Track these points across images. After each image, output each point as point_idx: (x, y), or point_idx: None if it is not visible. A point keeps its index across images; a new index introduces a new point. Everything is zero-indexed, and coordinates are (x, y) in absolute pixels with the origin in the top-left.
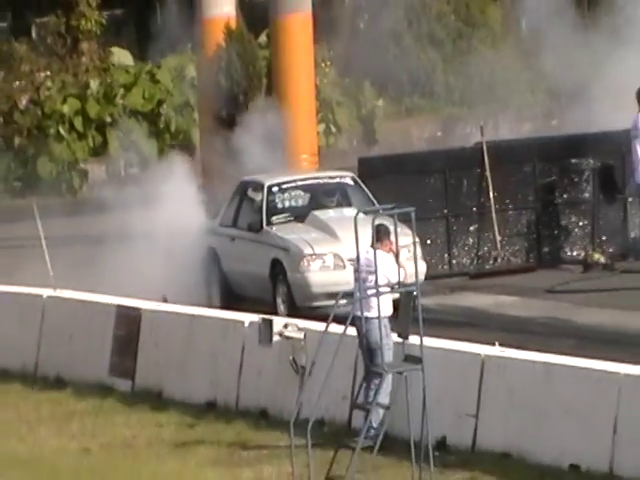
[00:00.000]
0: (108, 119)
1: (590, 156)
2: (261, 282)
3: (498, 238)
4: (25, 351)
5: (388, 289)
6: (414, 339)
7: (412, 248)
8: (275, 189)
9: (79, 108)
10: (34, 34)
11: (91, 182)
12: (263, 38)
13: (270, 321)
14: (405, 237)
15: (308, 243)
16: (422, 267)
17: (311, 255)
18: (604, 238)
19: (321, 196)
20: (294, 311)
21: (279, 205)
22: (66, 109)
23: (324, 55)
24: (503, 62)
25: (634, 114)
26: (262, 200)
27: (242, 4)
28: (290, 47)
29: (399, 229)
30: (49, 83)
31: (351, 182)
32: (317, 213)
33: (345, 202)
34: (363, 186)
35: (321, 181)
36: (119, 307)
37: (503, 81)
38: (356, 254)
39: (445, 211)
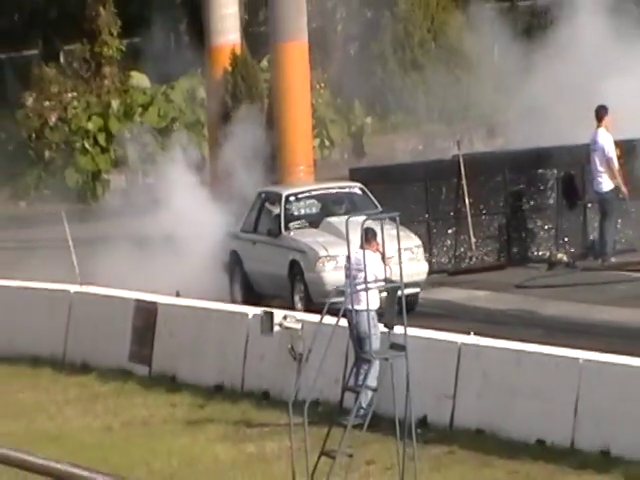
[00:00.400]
0: (127, 135)
1: (554, 167)
2: (280, 281)
3: (473, 240)
4: (54, 340)
5: (375, 285)
6: (399, 329)
7: (415, 250)
8: (292, 198)
9: (102, 125)
10: (62, 60)
11: (112, 190)
12: (264, 63)
13: (271, 313)
14: (409, 240)
15: (323, 246)
16: (425, 267)
17: (326, 256)
18: (566, 239)
19: (332, 204)
20: (310, 307)
21: (295, 213)
22: (90, 126)
23: (319, 78)
24: (477, 84)
25: (593, 130)
26: (280, 208)
27: (246, 33)
28: (288, 72)
29: (403, 233)
30: (75, 103)
31: (359, 192)
32: (330, 219)
33: (354, 209)
34: (370, 195)
35: (332, 191)
36: (138, 301)
37: (477, 101)
38: (347, 254)
39: (426, 216)
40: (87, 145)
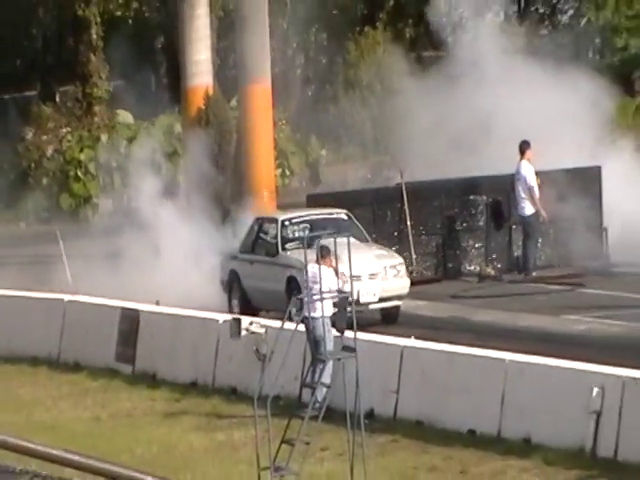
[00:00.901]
0: (114, 164)
1: (483, 194)
2: (277, 296)
3: (414, 256)
4: (50, 342)
5: (329, 295)
6: (349, 333)
7: (399, 267)
8: (287, 223)
9: (92, 156)
10: (58, 99)
11: (100, 213)
12: (234, 102)
13: (239, 319)
14: (393, 258)
15: (311, 270)
16: (407, 282)
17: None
18: (494, 256)
19: (322, 228)
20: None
21: (290, 235)
22: (82, 157)
23: (280, 115)
24: (417, 121)
25: (517, 162)
26: (277, 231)
27: (217, 76)
28: (254, 110)
29: (387, 252)
30: (69, 137)
31: (345, 217)
32: (322, 241)
33: (341, 232)
34: (354, 219)
35: (321, 217)
36: (123, 309)
37: (417, 135)
38: (305, 270)
39: (373, 235)
40: (79, 173)
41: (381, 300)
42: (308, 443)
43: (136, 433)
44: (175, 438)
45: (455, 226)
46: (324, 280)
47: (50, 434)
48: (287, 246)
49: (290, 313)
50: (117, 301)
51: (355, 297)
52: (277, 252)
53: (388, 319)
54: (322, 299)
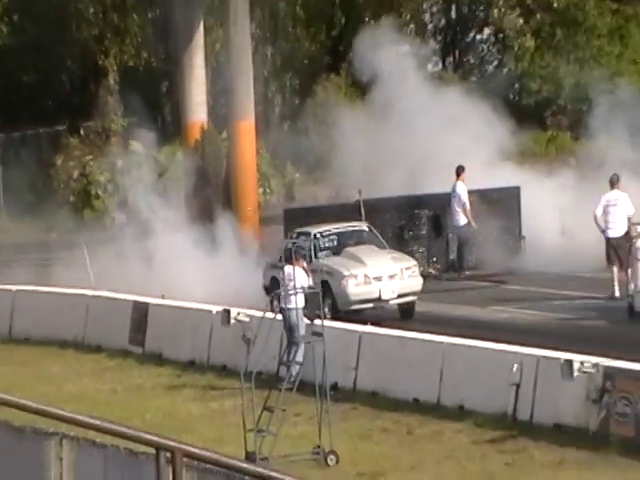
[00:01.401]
0: (127, 185)
1: (426, 208)
2: (312, 297)
3: None
4: (76, 329)
5: (301, 290)
6: (318, 321)
7: (414, 269)
8: (318, 235)
9: (110, 178)
10: (82, 132)
11: (116, 224)
12: (224, 135)
13: (229, 310)
14: (408, 261)
15: (346, 268)
16: (420, 281)
17: (348, 275)
18: (435, 259)
19: (347, 239)
20: (336, 314)
21: (321, 245)
22: (102, 179)
23: (262, 145)
24: (370, 150)
25: (453, 182)
26: (311, 242)
27: (211, 113)
28: (240, 141)
29: (403, 255)
30: (91, 163)
31: (367, 229)
32: (348, 249)
33: (363, 242)
34: (375, 231)
35: (347, 229)
36: (135, 302)
37: (370, 161)
38: (281, 270)
39: None
40: (99, 192)
41: (399, 296)
42: (284, 410)
43: (146, 402)
44: (177, 406)
45: (403, 234)
46: (297, 278)
47: (76, 403)
48: (320, 254)
49: (272, 305)
50: (130, 295)
51: (378, 295)
52: (311, 260)
53: (405, 314)
54: (295, 293)
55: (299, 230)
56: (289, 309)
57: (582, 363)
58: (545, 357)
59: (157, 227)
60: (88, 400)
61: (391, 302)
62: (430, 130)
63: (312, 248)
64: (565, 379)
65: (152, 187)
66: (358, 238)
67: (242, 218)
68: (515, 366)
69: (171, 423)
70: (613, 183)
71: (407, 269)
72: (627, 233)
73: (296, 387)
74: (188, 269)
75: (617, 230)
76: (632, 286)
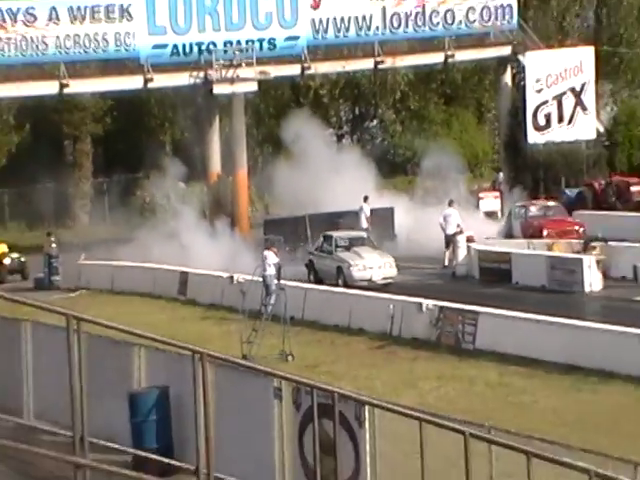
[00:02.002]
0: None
1: (343, 218)
2: (332, 274)
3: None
4: (149, 286)
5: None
6: (282, 281)
7: (392, 262)
8: (337, 238)
9: (167, 202)
10: (150, 176)
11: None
12: (230, 178)
13: (232, 275)
14: (388, 257)
15: (352, 260)
16: (395, 271)
17: (353, 264)
18: None
19: (354, 241)
20: (346, 285)
21: (338, 244)
22: (162, 202)
23: (251, 182)
24: (307, 185)
25: (361, 204)
26: (332, 242)
27: (223, 166)
28: (239, 182)
29: (386, 254)
30: (155, 193)
31: (365, 235)
32: (354, 248)
33: (364, 244)
34: (371, 237)
35: (354, 235)
36: (181, 271)
37: (308, 192)
38: (262, 253)
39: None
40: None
41: (382, 279)
42: (261, 330)
43: (185, 326)
44: (203, 328)
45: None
46: (269, 257)
47: (148, 327)
48: (337, 250)
49: (264, 278)
50: (177, 267)
51: (370, 277)
52: (332, 252)
53: (385, 287)
54: (272, 262)
55: (325, 233)
56: (265, 275)
57: (427, 304)
58: (407, 301)
59: (191, 229)
60: (154, 325)
61: (378, 282)
62: (339, 175)
63: (333, 245)
64: (418, 313)
65: (189, 207)
66: (361, 241)
67: (239, 225)
68: (391, 306)
69: (200, 338)
70: (449, 204)
71: (387, 262)
72: (455, 232)
73: (270, 318)
74: (208, 253)
75: (450, 230)
76: (454, 262)
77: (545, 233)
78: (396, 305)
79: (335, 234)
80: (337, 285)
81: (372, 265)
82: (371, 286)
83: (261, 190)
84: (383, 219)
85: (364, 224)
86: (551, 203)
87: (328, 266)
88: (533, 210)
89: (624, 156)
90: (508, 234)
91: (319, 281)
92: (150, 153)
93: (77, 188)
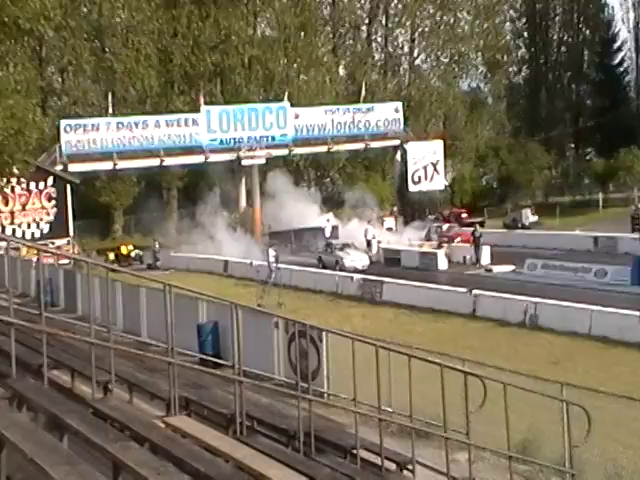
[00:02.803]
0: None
1: (312, 232)
2: (332, 263)
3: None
4: (208, 267)
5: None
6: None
7: (367, 259)
8: (336, 243)
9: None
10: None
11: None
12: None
13: (251, 262)
14: (366, 255)
15: (345, 256)
16: (368, 261)
17: (346, 258)
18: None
19: (346, 245)
20: (341, 270)
21: (336, 247)
22: (211, 228)
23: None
24: (278, 211)
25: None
26: (333, 245)
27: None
28: (255, 213)
29: (364, 253)
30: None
31: (351, 242)
32: (346, 248)
33: (352, 247)
34: (356, 243)
35: (345, 242)
36: (224, 260)
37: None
38: (267, 250)
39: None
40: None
41: (362, 267)
42: (267, 291)
43: (226, 289)
44: (236, 290)
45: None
46: (270, 252)
47: (206, 289)
48: (335, 250)
49: (269, 264)
50: (221, 257)
51: (355, 266)
52: (332, 252)
53: (363, 272)
54: (272, 255)
55: (327, 241)
56: (269, 261)
57: (356, 277)
58: (345, 275)
59: (229, 237)
60: (210, 289)
61: (359, 268)
62: (307, 208)
63: (334, 247)
64: (351, 282)
65: (228, 225)
66: (347, 246)
67: (255, 234)
68: (336, 278)
69: (234, 295)
70: (369, 222)
71: (364, 257)
72: (371, 239)
73: (272, 283)
74: (238, 250)
75: (369, 237)
76: (371, 255)
77: (458, 239)
78: (339, 278)
79: (334, 242)
80: (335, 270)
81: (355, 259)
82: (355, 271)
83: (265, 215)
84: (333, 230)
85: (327, 234)
86: (452, 224)
87: (330, 259)
88: (445, 228)
89: (457, 198)
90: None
91: (324, 267)
92: (206, 197)
93: (169, 215)
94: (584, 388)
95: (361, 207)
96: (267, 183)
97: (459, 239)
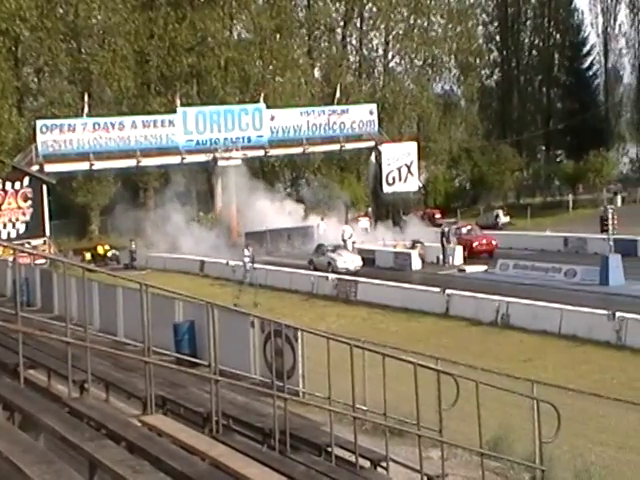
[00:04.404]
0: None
1: (288, 233)
2: (324, 265)
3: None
4: (186, 267)
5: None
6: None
7: (359, 260)
8: (328, 245)
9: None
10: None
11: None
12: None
13: (228, 262)
14: (359, 256)
15: (336, 258)
16: (361, 263)
17: (337, 260)
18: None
19: (337, 247)
20: (334, 272)
21: (329, 249)
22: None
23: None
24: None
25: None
26: (324, 248)
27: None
28: (231, 213)
29: (356, 253)
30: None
31: (343, 245)
32: (337, 250)
33: (343, 248)
34: (347, 245)
35: (336, 244)
36: (200, 260)
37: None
38: (243, 250)
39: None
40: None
41: (354, 268)
42: (243, 290)
43: (202, 289)
44: (212, 290)
45: (279, 242)
46: (246, 252)
47: (182, 289)
48: (327, 252)
49: (245, 264)
50: (198, 257)
51: (347, 267)
52: (324, 254)
53: (355, 273)
54: (247, 256)
55: (319, 243)
56: (245, 261)
57: (331, 277)
58: (321, 275)
59: (206, 237)
60: (186, 288)
61: (351, 269)
62: (280, 208)
63: (325, 249)
64: (326, 281)
65: (205, 225)
66: (339, 248)
67: (232, 234)
68: (312, 278)
69: (210, 295)
70: (346, 222)
71: (356, 259)
72: (345, 240)
73: (248, 283)
74: (214, 249)
75: (346, 236)
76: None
77: (475, 244)
78: (315, 278)
79: (325, 243)
80: (328, 272)
81: (347, 260)
82: (348, 272)
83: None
84: (307, 233)
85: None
86: (472, 227)
87: (322, 261)
88: (464, 231)
89: (431, 199)
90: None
91: (316, 269)
92: (183, 197)
93: (146, 216)
94: (554, 386)
95: (337, 208)
96: (242, 184)
97: (477, 243)
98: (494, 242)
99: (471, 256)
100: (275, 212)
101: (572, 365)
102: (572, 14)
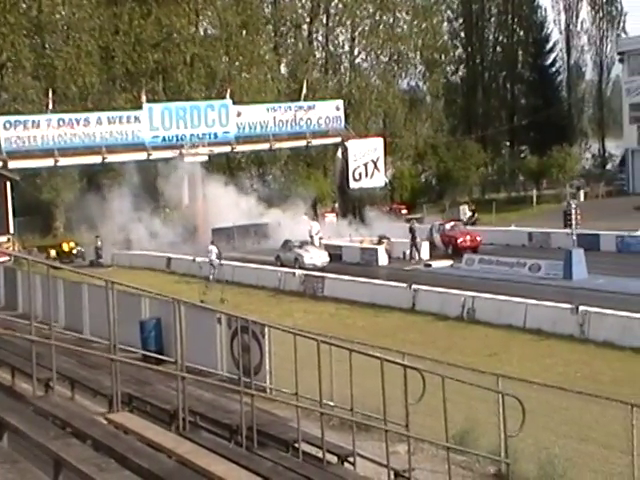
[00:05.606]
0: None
1: (254, 228)
2: (291, 262)
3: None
4: (154, 264)
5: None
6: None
7: (327, 256)
8: (296, 241)
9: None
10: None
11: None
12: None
13: (194, 258)
14: (325, 252)
15: (302, 253)
16: (328, 259)
17: (303, 255)
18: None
19: (305, 243)
20: (301, 268)
21: (294, 245)
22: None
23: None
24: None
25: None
26: (291, 244)
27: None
28: (197, 210)
29: (324, 250)
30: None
31: (310, 240)
32: (305, 246)
33: (310, 244)
34: (315, 241)
35: (303, 240)
36: (167, 257)
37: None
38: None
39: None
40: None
41: (322, 263)
42: (210, 287)
43: (169, 285)
44: (178, 287)
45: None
46: (213, 249)
47: (148, 286)
48: (294, 248)
49: (211, 260)
50: (165, 254)
51: (314, 263)
52: (291, 249)
53: (322, 269)
54: (213, 253)
55: (286, 239)
56: (211, 258)
57: (298, 272)
58: (288, 271)
59: (172, 234)
60: (152, 285)
61: (318, 265)
62: (245, 204)
63: (292, 245)
64: (293, 277)
65: (171, 222)
66: (306, 243)
67: (198, 231)
68: (279, 274)
69: (176, 292)
70: (312, 219)
71: (323, 254)
72: (313, 236)
73: (214, 280)
74: (180, 248)
75: (313, 232)
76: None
77: (460, 240)
78: (282, 274)
79: (292, 239)
80: (295, 268)
81: (314, 256)
82: (315, 268)
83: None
84: (265, 231)
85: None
86: (455, 223)
87: (289, 257)
88: (447, 227)
89: (397, 194)
90: (430, 241)
91: (282, 265)
92: (148, 193)
93: (111, 212)
94: (519, 379)
95: (303, 204)
96: (208, 180)
97: (461, 239)
98: (479, 238)
99: (456, 252)
100: (239, 208)
101: (536, 359)
102: (535, 11)
